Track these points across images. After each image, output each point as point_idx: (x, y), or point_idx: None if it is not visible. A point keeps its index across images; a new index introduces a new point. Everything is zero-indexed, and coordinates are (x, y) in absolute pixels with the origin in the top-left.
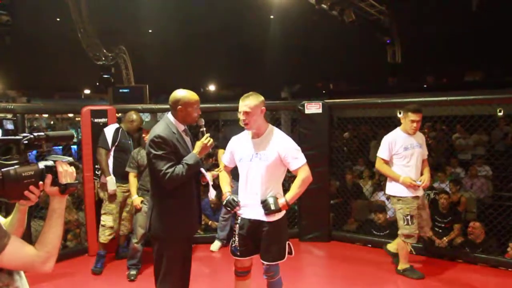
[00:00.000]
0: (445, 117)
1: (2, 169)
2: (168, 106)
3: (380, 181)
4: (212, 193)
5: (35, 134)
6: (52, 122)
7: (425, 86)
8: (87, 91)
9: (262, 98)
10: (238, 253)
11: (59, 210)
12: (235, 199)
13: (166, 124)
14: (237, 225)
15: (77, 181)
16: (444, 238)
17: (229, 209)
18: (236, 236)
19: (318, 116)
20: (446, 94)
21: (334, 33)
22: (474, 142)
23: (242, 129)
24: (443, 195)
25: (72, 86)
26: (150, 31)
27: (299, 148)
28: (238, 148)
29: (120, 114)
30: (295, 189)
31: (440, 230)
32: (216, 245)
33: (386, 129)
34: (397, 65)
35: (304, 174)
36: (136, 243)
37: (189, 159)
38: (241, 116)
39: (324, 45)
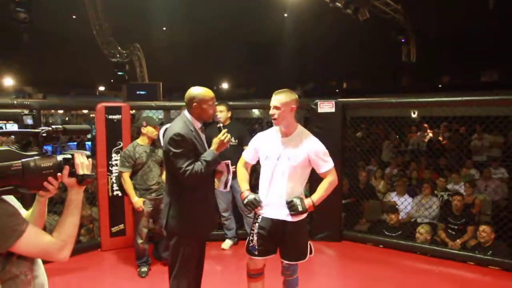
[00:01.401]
0: (459, 118)
1: (22, 160)
2: (181, 103)
3: (392, 182)
4: (228, 184)
5: (53, 127)
6: (67, 119)
7: (440, 86)
8: (101, 88)
9: (295, 96)
10: (256, 252)
11: (76, 201)
12: (257, 198)
13: (184, 122)
14: (257, 224)
15: (94, 173)
16: (457, 241)
17: (249, 208)
18: (255, 235)
19: (331, 115)
20: (461, 94)
21: (348, 32)
22: (489, 143)
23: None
24: (457, 196)
25: (87, 83)
26: (164, 29)
27: (327, 151)
28: (265, 146)
29: (133, 111)
30: (322, 191)
31: (453, 232)
32: (227, 243)
33: (399, 129)
34: (411, 65)
35: (331, 178)
36: (141, 244)
37: (207, 155)
38: (270, 111)
39: (338, 44)
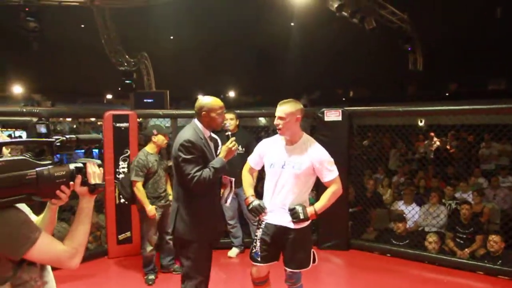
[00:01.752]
0: (467, 126)
1: (37, 169)
2: (188, 112)
3: (400, 190)
4: (228, 200)
5: (67, 136)
6: (74, 126)
7: (447, 94)
8: (109, 96)
9: (300, 106)
10: (259, 259)
11: (87, 210)
12: (262, 205)
13: (194, 130)
14: (260, 230)
15: (104, 182)
16: (466, 250)
17: (254, 214)
18: (258, 241)
19: (338, 123)
20: (468, 103)
21: (354, 40)
22: (498, 152)
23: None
24: (465, 205)
25: (94, 91)
26: (171, 37)
27: (332, 160)
28: (270, 153)
29: (141, 119)
30: (325, 200)
31: (462, 241)
32: (233, 251)
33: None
34: (418, 73)
35: (336, 187)
36: (150, 251)
37: (216, 163)
38: (275, 121)
39: (344, 52)
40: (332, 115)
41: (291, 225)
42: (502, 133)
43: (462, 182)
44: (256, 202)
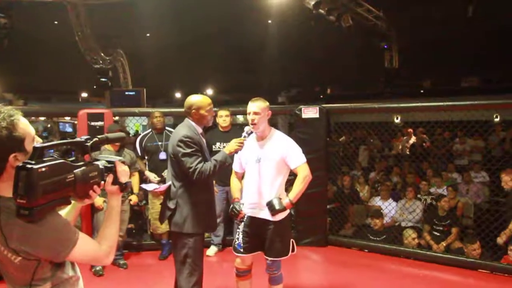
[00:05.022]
0: (441, 122)
1: (75, 171)
2: (165, 110)
3: (376, 186)
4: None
5: (98, 136)
6: (49, 126)
7: (422, 91)
8: (84, 95)
9: (268, 103)
10: (242, 250)
11: (117, 208)
12: (237, 208)
13: (188, 127)
14: (242, 223)
15: (130, 180)
16: (442, 243)
17: (233, 215)
18: (240, 233)
19: (315, 120)
20: (442, 100)
21: (331, 38)
22: (470, 147)
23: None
24: (444, 198)
25: (69, 89)
26: (148, 35)
27: (299, 148)
28: (244, 152)
29: (117, 118)
30: (297, 187)
31: (438, 234)
32: (212, 250)
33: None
34: (394, 70)
35: (305, 172)
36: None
37: (218, 156)
38: (249, 117)
39: (321, 50)
40: (310, 112)
41: (271, 218)
42: (474, 129)
43: (436, 177)
44: (234, 204)
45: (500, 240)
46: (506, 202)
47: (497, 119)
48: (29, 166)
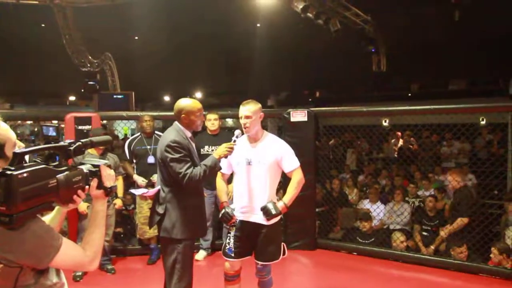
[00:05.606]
0: (429, 125)
1: (57, 176)
2: (153, 113)
3: (365, 189)
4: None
5: (82, 141)
6: (36, 129)
7: (409, 94)
8: (72, 98)
9: (260, 105)
10: (233, 254)
11: (102, 212)
12: (230, 212)
13: (176, 131)
14: (234, 228)
15: (116, 184)
16: (431, 247)
17: (224, 220)
18: (232, 238)
19: (304, 124)
20: (430, 103)
21: (320, 42)
22: (457, 150)
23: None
24: (431, 198)
25: (57, 92)
26: (136, 38)
27: (293, 151)
28: (235, 153)
29: (105, 121)
30: (292, 191)
31: (427, 234)
32: (201, 254)
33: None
34: (382, 74)
35: (299, 176)
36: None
37: (207, 161)
38: (241, 121)
39: (310, 54)
40: (298, 115)
41: (264, 222)
42: (461, 132)
43: (424, 180)
44: (226, 209)
45: (443, 233)
46: (452, 200)
47: (483, 122)
48: (8, 172)
